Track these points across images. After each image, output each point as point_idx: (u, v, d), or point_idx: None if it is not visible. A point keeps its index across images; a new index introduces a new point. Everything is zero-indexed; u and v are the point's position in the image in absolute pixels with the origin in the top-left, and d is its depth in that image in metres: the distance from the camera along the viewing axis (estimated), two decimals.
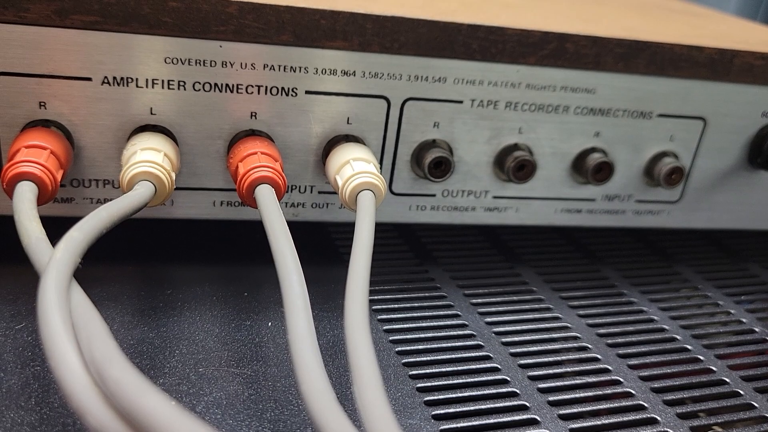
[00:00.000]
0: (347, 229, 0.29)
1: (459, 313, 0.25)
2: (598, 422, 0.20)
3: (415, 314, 0.24)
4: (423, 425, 0.19)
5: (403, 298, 0.25)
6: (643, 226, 0.31)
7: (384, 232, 0.30)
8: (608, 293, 0.28)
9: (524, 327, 0.24)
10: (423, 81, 0.25)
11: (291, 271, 0.18)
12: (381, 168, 0.26)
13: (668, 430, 0.20)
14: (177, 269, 0.25)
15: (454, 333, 0.24)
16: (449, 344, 0.23)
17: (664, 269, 0.30)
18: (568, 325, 0.25)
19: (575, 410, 0.20)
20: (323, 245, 0.28)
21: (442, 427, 0.19)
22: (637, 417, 0.21)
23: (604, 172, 0.28)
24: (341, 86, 0.25)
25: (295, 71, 0.24)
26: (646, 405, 0.21)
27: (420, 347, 0.22)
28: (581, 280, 0.28)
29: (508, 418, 0.20)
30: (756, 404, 0.22)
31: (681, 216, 0.31)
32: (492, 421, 0.20)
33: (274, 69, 0.24)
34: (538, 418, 0.20)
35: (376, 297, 0.25)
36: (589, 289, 0.28)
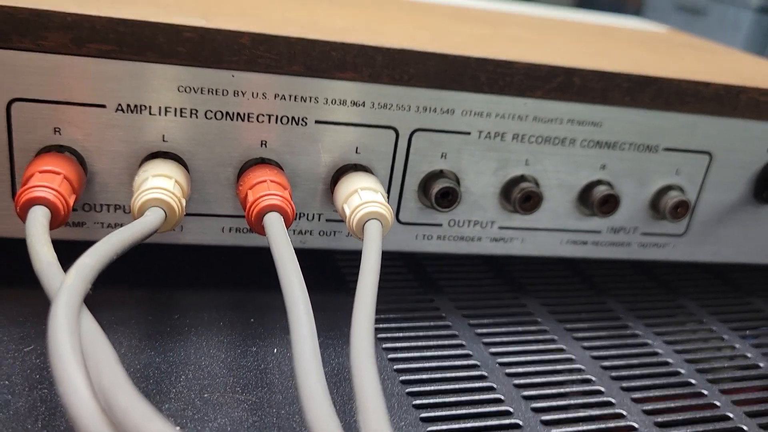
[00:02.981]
0: (354, 257, 0.30)
1: (463, 342, 0.25)
2: None
3: (419, 343, 0.24)
4: None
5: (408, 327, 0.25)
6: (648, 258, 0.31)
7: (390, 260, 0.30)
8: (613, 325, 0.28)
9: (528, 358, 0.25)
10: (431, 112, 0.26)
11: (298, 299, 0.19)
12: (388, 197, 0.27)
13: None
14: (185, 294, 0.25)
15: (459, 363, 0.24)
16: (453, 374, 0.23)
17: (668, 302, 0.30)
18: (573, 356, 0.25)
19: None
20: (330, 273, 0.29)
21: None
22: None
23: (609, 204, 0.28)
24: (350, 116, 0.25)
25: (305, 101, 0.25)
26: None
27: (424, 376, 0.23)
28: (586, 312, 0.28)
29: None
30: None
31: (686, 249, 0.31)
32: None
33: (284, 98, 0.24)
34: None
35: (381, 325, 0.25)
36: (593, 321, 0.28)
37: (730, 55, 0.38)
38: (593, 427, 0.21)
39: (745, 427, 0.22)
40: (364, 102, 0.25)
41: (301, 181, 0.26)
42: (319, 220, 0.27)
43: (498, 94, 0.26)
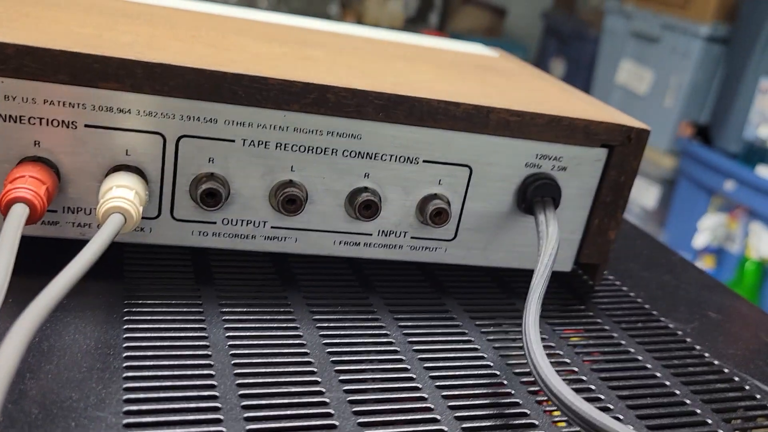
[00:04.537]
0: (138, 250, 0.33)
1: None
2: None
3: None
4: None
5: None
6: (421, 260, 0.34)
7: (176, 254, 0.33)
8: (364, 318, 0.31)
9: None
10: (195, 121, 0.29)
11: None
12: (161, 196, 0.30)
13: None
14: None
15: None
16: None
17: (435, 299, 0.33)
18: (304, 343, 0.28)
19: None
20: (114, 263, 0.31)
21: None
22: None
23: (371, 210, 0.31)
24: (118, 122, 0.28)
25: (73, 107, 0.28)
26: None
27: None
28: (343, 306, 0.31)
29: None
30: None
31: (457, 253, 0.34)
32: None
33: (53, 104, 0.27)
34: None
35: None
36: (344, 314, 0.31)
37: (528, 80, 0.41)
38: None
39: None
40: (129, 109, 0.28)
41: (76, 179, 0.29)
42: (96, 214, 0.29)
43: (257, 107, 0.29)
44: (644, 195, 1.86)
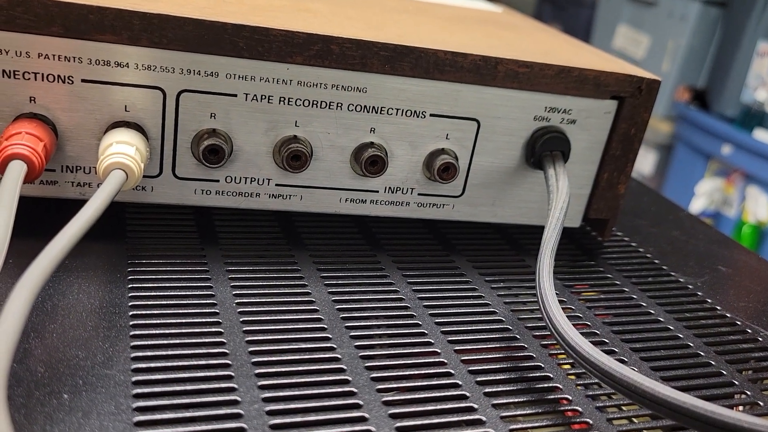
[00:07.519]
0: (140, 210, 0.32)
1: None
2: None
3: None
4: None
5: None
6: (428, 217, 0.33)
7: (179, 214, 0.32)
8: (371, 274, 0.30)
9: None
10: (196, 75, 0.28)
11: None
12: (162, 153, 0.29)
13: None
14: None
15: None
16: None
17: (443, 257, 0.33)
18: (313, 300, 0.27)
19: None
20: (115, 224, 0.31)
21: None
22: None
23: (377, 165, 0.31)
24: (116, 76, 0.27)
25: (69, 60, 0.27)
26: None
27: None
28: (350, 264, 0.31)
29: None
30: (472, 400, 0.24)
31: (465, 210, 0.33)
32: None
33: (48, 58, 0.26)
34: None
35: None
36: (352, 271, 0.30)
37: (534, 33, 0.40)
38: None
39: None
40: (127, 63, 0.27)
41: (74, 137, 0.28)
42: (95, 173, 0.29)
43: (259, 59, 0.28)
44: (641, 161, 1.85)
